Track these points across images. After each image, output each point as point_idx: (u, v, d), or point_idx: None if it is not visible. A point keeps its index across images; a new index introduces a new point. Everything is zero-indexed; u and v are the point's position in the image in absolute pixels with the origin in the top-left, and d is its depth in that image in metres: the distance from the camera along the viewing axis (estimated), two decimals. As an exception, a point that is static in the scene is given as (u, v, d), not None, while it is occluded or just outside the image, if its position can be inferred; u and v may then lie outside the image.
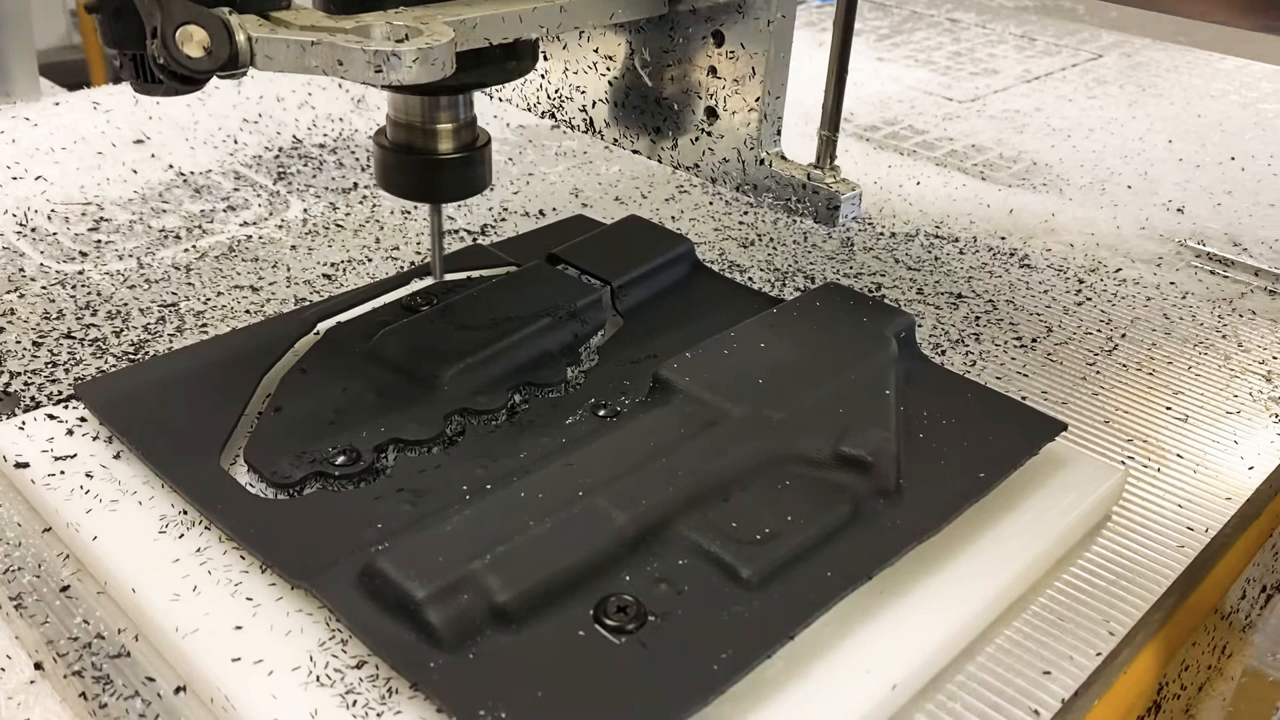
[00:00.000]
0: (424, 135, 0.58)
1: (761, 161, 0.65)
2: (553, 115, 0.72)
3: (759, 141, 0.65)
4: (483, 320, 0.60)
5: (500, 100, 0.71)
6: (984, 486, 0.50)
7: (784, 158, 0.66)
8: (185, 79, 0.46)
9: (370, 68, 0.46)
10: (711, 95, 0.66)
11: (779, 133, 0.66)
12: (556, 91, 0.73)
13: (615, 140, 0.70)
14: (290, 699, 0.40)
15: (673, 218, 0.85)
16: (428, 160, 0.58)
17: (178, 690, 0.42)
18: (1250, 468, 0.60)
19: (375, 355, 0.57)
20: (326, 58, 0.47)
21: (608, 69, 0.70)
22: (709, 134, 0.66)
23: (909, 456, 0.51)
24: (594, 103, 0.70)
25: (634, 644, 0.41)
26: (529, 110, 0.73)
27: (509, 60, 0.58)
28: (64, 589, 0.47)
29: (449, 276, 0.66)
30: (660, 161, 0.69)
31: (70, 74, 0.99)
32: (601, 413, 0.56)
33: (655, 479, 0.47)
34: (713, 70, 0.67)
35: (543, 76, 0.74)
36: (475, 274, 0.67)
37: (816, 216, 0.64)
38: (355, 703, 0.40)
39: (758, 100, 0.65)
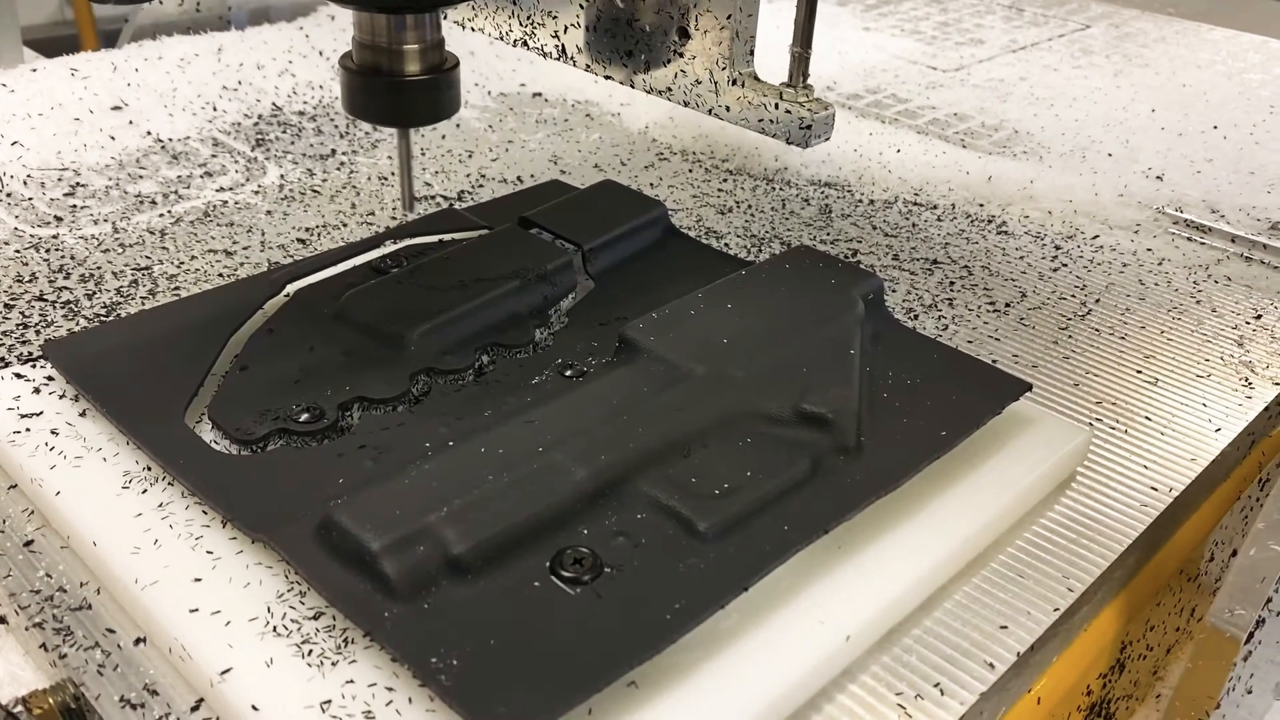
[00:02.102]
0: (390, 56, 0.57)
1: (734, 82, 0.64)
2: (525, 44, 0.71)
3: (731, 61, 0.63)
4: (452, 282, 0.60)
5: (472, 30, 0.70)
6: (945, 444, 0.50)
7: (757, 78, 0.64)
8: None
9: None
10: (684, 14, 0.65)
11: (751, 53, 0.65)
12: (529, 18, 0.73)
13: (587, 66, 0.69)
14: (246, 649, 0.40)
15: (651, 185, 0.85)
16: (395, 82, 0.57)
17: (137, 641, 0.43)
18: (1217, 430, 0.60)
19: (343, 316, 0.57)
20: None
21: (581, -9, 0.69)
22: (681, 55, 0.65)
23: (871, 415, 0.51)
24: (566, 28, 0.69)
25: (589, 595, 0.41)
26: (501, 39, 0.72)
27: None
28: (27, 544, 0.47)
29: (420, 240, 0.66)
30: (633, 87, 0.69)
31: (62, 49, 0.98)
32: (568, 373, 0.56)
33: (616, 435, 0.48)
34: None
35: (514, 3, 0.73)
36: (447, 237, 0.67)
37: (789, 138, 0.63)
38: (311, 652, 0.40)
39: (729, 18, 0.63)
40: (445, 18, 0.63)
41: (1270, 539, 0.47)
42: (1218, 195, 0.87)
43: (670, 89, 0.67)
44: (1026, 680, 0.47)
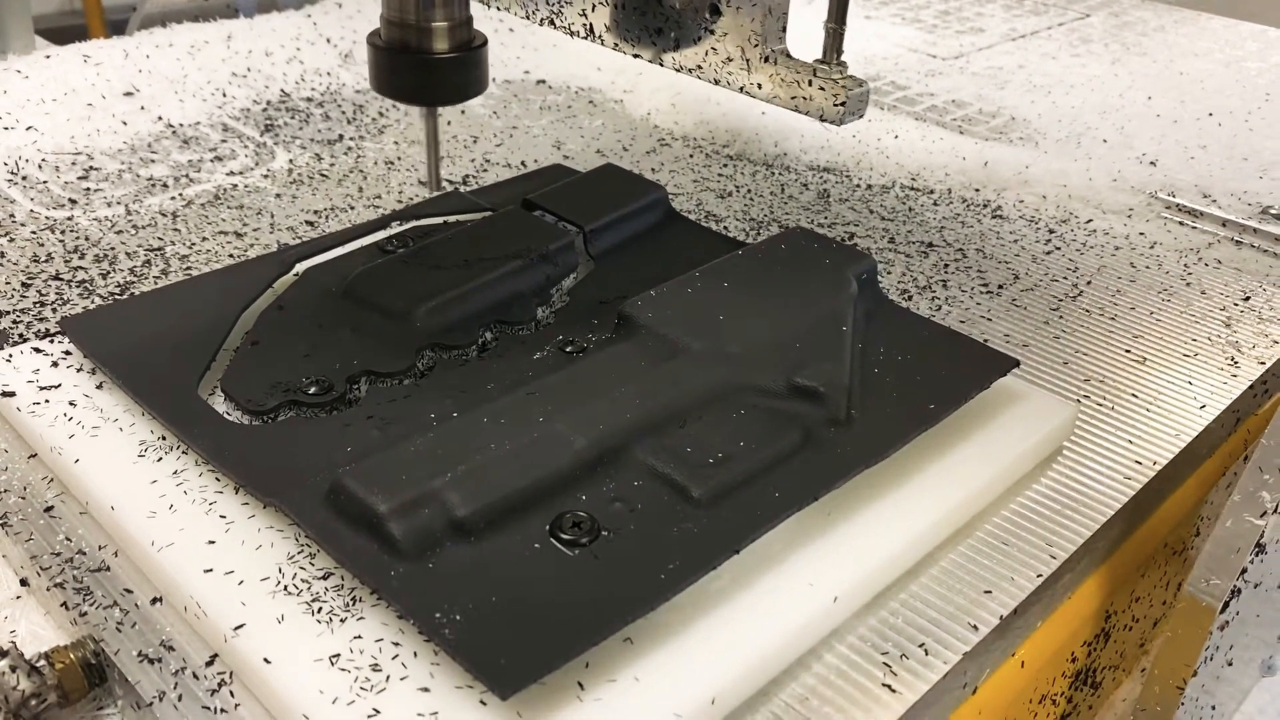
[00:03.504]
0: (419, 34, 0.57)
1: (766, 59, 0.62)
2: (551, 22, 0.70)
3: (764, 38, 0.62)
4: (456, 261, 0.61)
5: (498, 9, 0.70)
6: (933, 417, 0.52)
7: (789, 55, 0.62)
8: None
9: None
10: None
11: (784, 29, 0.63)
12: None
13: (615, 45, 0.68)
14: (258, 606, 0.42)
15: (653, 170, 0.86)
16: (423, 60, 0.57)
17: (154, 600, 0.44)
18: (1202, 406, 0.62)
19: (351, 293, 0.59)
20: None
21: (612, -32, 0.69)
22: (712, 32, 0.64)
23: (863, 389, 0.53)
24: (594, 6, 0.67)
25: (586, 556, 0.43)
26: (527, 18, 0.71)
27: None
28: (48, 509, 0.49)
29: (425, 221, 0.68)
30: (661, 65, 0.68)
31: (71, 38, 1.00)
32: (568, 349, 0.57)
33: (614, 406, 0.49)
34: None
35: None
36: (452, 218, 0.69)
37: (824, 115, 0.61)
38: (320, 610, 0.42)
39: None
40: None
41: (1245, 510, 0.48)
42: (1210, 180, 0.89)
43: (700, 67, 0.66)
44: (1010, 643, 0.49)
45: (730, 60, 0.64)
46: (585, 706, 0.39)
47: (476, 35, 0.59)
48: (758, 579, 0.44)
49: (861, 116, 0.63)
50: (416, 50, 0.57)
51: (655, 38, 0.67)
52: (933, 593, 0.48)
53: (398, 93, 0.60)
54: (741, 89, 0.64)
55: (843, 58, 0.63)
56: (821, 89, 0.61)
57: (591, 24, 0.69)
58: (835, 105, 0.61)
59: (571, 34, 0.71)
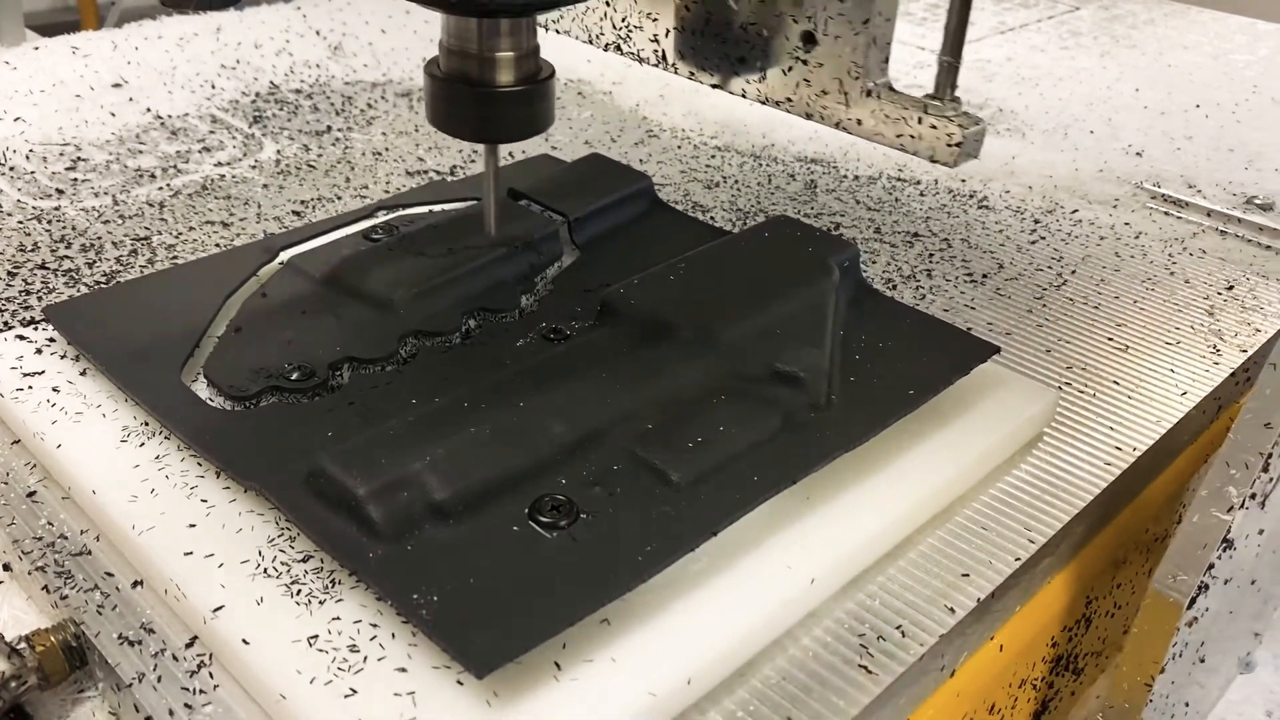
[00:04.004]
0: (480, 65, 0.50)
1: (868, 93, 0.58)
2: (618, 48, 0.65)
3: (865, 70, 0.57)
4: (441, 249, 0.62)
5: (558, 33, 0.66)
6: (913, 402, 0.52)
7: (893, 89, 0.58)
8: None
9: None
10: (810, 18, 0.58)
11: (887, 60, 0.59)
12: (624, 20, 0.66)
13: (691, 74, 0.63)
14: (238, 589, 0.42)
15: (640, 160, 0.86)
16: (485, 94, 0.51)
17: (135, 584, 0.45)
18: (1184, 394, 0.62)
19: (334, 281, 0.59)
20: None
21: (687, -10, 0.60)
22: (805, 63, 0.59)
23: (843, 375, 0.53)
24: (667, 31, 0.62)
25: (564, 538, 0.43)
26: (590, 43, 0.66)
27: None
28: (30, 495, 0.49)
29: (411, 210, 0.68)
30: (744, 96, 0.62)
31: (64, 34, 1.00)
32: (551, 337, 0.58)
33: (594, 392, 0.50)
34: None
35: (607, 3, 0.66)
36: (437, 207, 0.69)
37: (934, 156, 0.57)
38: (300, 592, 0.42)
39: (866, 23, 0.57)
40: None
41: (1213, 505, 0.48)
42: (1196, 171, 0.89)
43: (790, 100, 0.61)
44: (988, 627, 0.49)
45: (826, 93, 0.59)
46: (561, 686, 0.39)
47: (544, 65, 0.53)
48: (736, 561, 0.44)
49: (976, 157, 0.58)
50: (478, 82, 0.51)
51: (737, 66, 0.62)
52: (910, 576, 0.48)
53: (454, 127, 0.54)
54: (838, 124, 0.60)
55: (956, 92, 0.58)
56: (933, 127, 0.57)
57: (663, 51, 0.64)
58: (949, 146, 0.56)
59: (640, 60, 0.66)
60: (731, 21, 0.62)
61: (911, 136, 0.58)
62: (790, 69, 0.61)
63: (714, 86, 0.64)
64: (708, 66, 0.64)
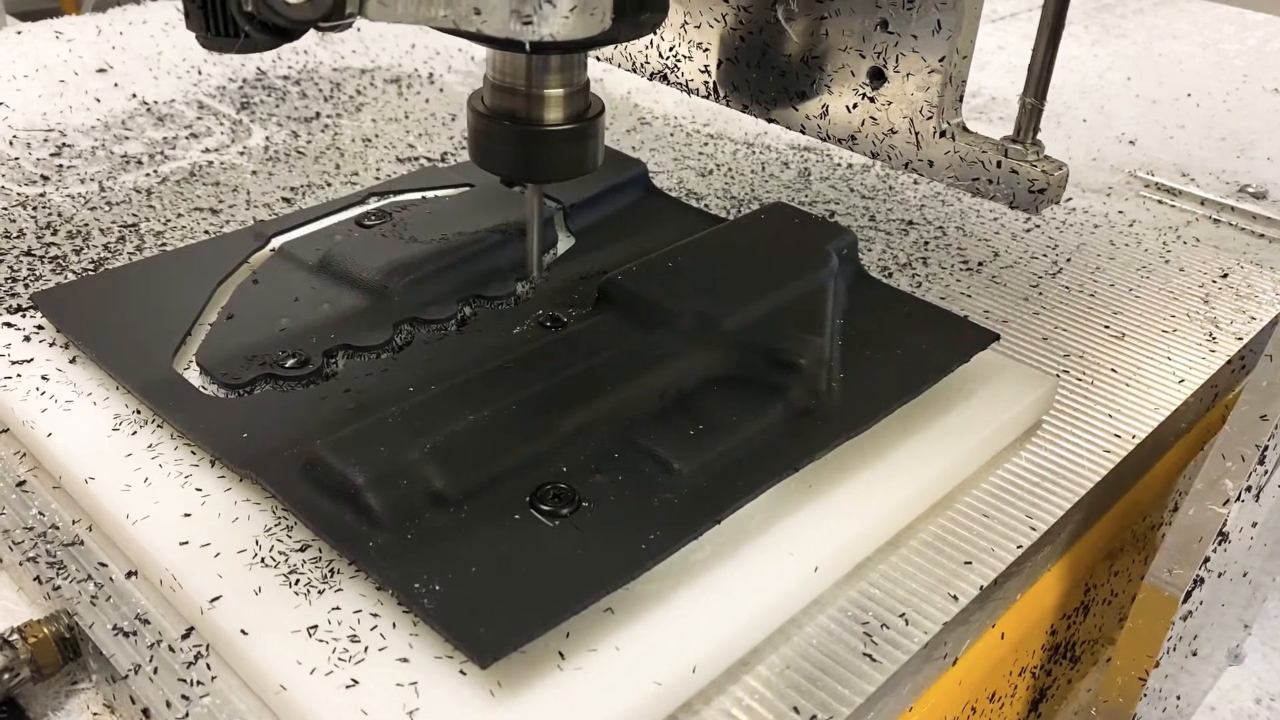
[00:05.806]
0: (528, 102, 0.47)
1: (942, 134, 0.55)
2: (664, 78, 0.61)
3: (939, 109, 0.54)
4: (435, 236, 0.61)
5: (601, 60, 0.62)
6: (913, 390, 0.52)
7: (966, 129, 0.55)
8: (277, 30, 0.37)
9: (516, 18, 0.38)
10: (879, 53, 0.55)
11: (961, 99, 0.56)
12: (671, 50, 0.62)
13: (745, 107, 0.59)
14: (235, 578, 0.41)
15: (633, 148, 0.86)
16: (530, 132, 0.48)
17: (129, 574, 0.44)
18: (1180, 381, 0.62)
19: (328, 267, 0.59)
20: (460, 4, 0.37)
21: (740, 21, 0.58)
22: (872, 100, 0.55)
23: (843, 362, 0.53)
24: (719, 62, 0.58)
25: (567, 526, 0.43)
26: (634, 71, 0.63)
27: (640, 11, 0.46)
28: (20, 484, 0.49)
29: (404, 197, 0.67)
30: (804, 131, 0.59)
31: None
32: (548, 324, 0.57)
33: (594, 379, 0.49)
34: (884, 23, 0.55)
35: (655, 32, 0.62)
36: (430, 194, 0.68)
37: (1014, 201, 0.54)
38: (298, 581, 0.42)
39: (941, 61, 0.54)
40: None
41: (1208, 499, 0.48)
42: (1189, 160, 0.89)
43: (854, 138, 0.57)
44: (990, 614, 0.49)
45: (894, 132, 0.56)
46: (566, 675, 0.38)
47: (594, 101, 0.50)
48: (739, 549, 0.44)
49: (1058, 203, 0.56)
50: (525, 120, 0.48)
51: (796, 101, 0.58)
52: (913, 564, 0.48)
53: (497, 166, 0.50)
54: (907, 165, 0.57)
55: (1039, 135, 0.55)
56: (1014, 172, 0.54)
57: (714, 82, 0.60)
58: (1031, 192, 0.53)
59: (690, 91, 0.63)
60: (791, 54, 0.59)
61: (989, 181, 0.55)
62: (855, 106, 0.57)
63: (770, 121, 0.61)
64: (762, 100, 0.60)
